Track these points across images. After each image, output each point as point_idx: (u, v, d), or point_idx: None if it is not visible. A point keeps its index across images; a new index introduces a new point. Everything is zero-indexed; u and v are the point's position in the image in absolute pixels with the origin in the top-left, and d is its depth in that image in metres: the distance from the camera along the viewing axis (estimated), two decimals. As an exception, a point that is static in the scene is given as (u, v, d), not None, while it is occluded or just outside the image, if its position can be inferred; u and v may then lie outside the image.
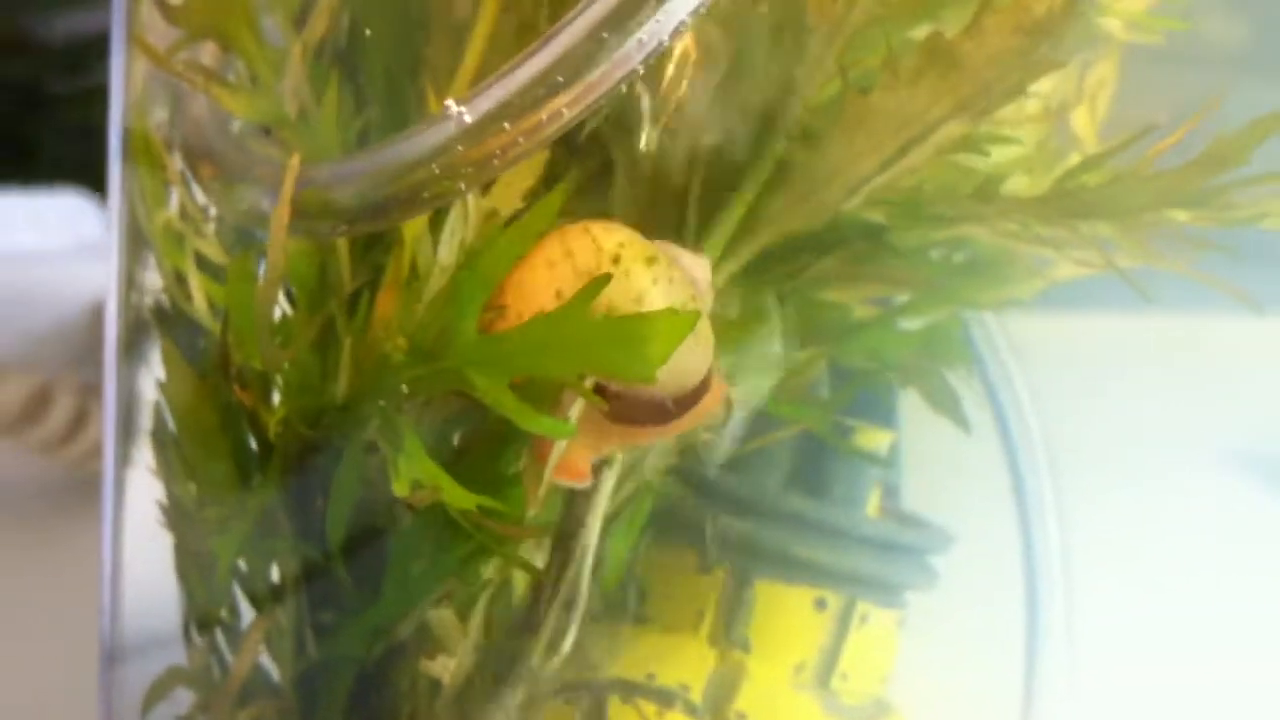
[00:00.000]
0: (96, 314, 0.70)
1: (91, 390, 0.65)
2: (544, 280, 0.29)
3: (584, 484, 0.31)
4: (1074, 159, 0.34)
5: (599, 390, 0.29)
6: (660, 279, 0.29)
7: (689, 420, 0.31)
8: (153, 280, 0.36)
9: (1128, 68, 0.36)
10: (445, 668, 0.33)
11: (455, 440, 0.33)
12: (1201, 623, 0.39)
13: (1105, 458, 0.39)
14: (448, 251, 0.30)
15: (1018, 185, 0.34)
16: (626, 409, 0.30)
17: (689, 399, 0.30)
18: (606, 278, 0.28)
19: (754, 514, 0.36)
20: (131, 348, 0.38)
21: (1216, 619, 0.39)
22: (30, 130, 1.16)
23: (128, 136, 0.36)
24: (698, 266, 0.31)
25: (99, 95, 0.38)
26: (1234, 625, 0.39)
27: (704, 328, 0.30)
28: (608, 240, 0.29)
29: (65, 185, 1.07)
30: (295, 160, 0.29)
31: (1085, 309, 0.38)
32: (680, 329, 0.28)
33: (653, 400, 0.30)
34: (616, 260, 0.29)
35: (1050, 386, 0.39)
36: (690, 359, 0.30)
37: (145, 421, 0.36)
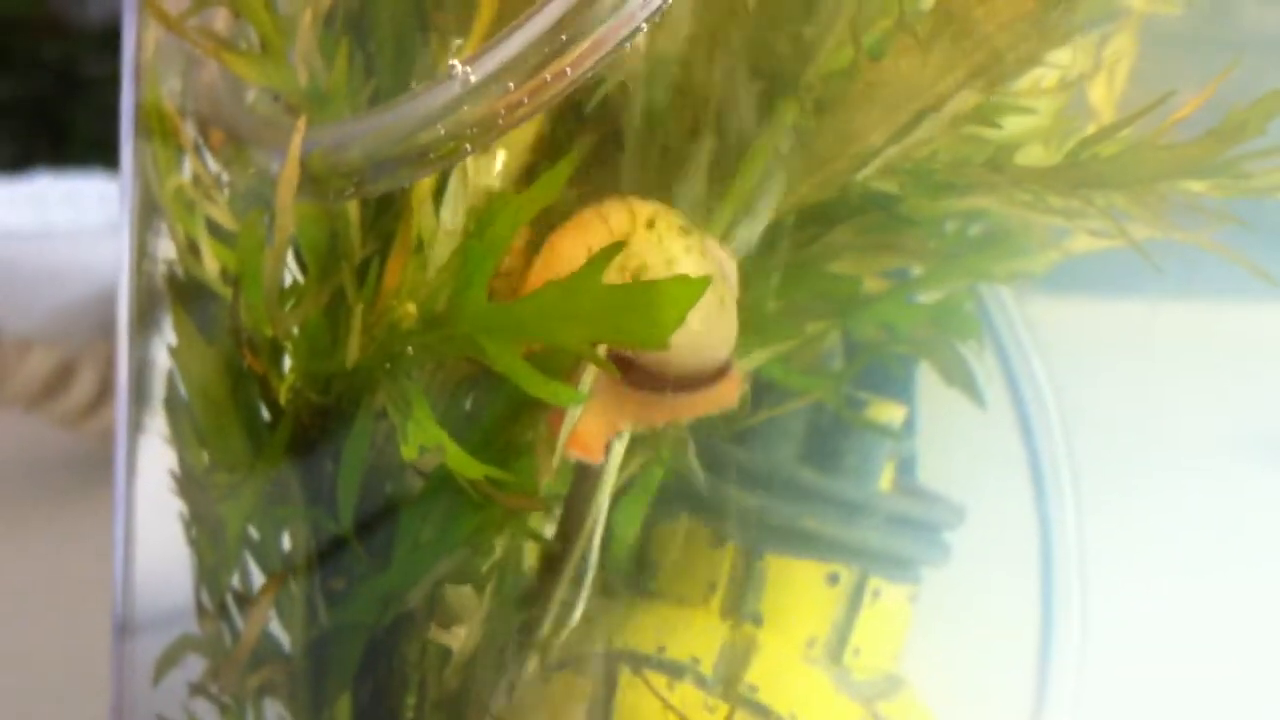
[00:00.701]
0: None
1: (114, 364, 0.65)
2: (578, 241, 0.29)
3: (597, 461, 0.31)
4: (1090, 131, 0.34)
5: (615, 360, 0.29)
6: (693, 249, 0.29)
7: (704, 404, 0.31)
8: (166, 248, 0.36)
9: (1158, 53, 0.35)
10: (455, 637, 0.33)
11: (467, 406, 0.33)
12: (1218, 606, 0.38)
13: (1123, 439, 0.39)
14: (450, 215, 0.30)
15: (1033, 155, 0.33)
16: (642, 377, 0.30)
17: (704, 379, 0.30)
18: (619, 245, 0.28)
19: (765, 487, 0.36)
20: (146, 316, 0.38)
21: (1233, 602, 0.39)
22: (66, 112, 1.16)
23: (140, 104, 0.36)
24: (726, 261, 0.31)
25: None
26: (1251, 609, 0.39)
27: (730, 313, 0.30)
28: (643, 208, 0.29)
29: (101, 166, 1.08)
30: (302, 121, 0.29)
31: (1103, 294, 0.38)
32: (690, 295, 0.28)
33: (668, 373, 0.30)
34: (651, 225, 0.29)
35: (1068, 368, 0.38)
36: (713, 336, 0.30)
37: (159, 390, 0.37)
